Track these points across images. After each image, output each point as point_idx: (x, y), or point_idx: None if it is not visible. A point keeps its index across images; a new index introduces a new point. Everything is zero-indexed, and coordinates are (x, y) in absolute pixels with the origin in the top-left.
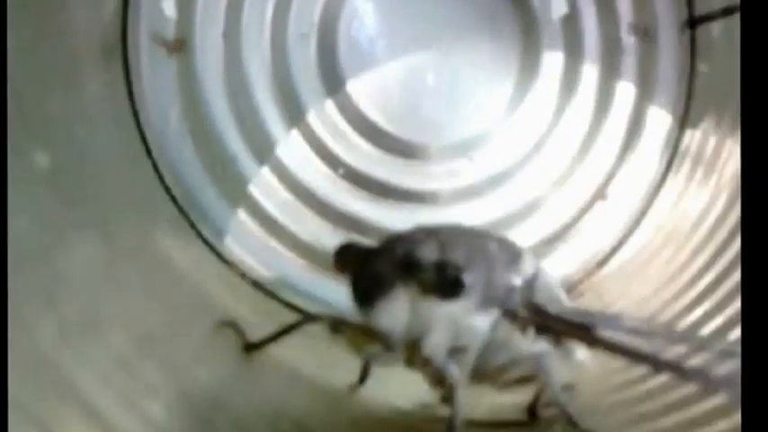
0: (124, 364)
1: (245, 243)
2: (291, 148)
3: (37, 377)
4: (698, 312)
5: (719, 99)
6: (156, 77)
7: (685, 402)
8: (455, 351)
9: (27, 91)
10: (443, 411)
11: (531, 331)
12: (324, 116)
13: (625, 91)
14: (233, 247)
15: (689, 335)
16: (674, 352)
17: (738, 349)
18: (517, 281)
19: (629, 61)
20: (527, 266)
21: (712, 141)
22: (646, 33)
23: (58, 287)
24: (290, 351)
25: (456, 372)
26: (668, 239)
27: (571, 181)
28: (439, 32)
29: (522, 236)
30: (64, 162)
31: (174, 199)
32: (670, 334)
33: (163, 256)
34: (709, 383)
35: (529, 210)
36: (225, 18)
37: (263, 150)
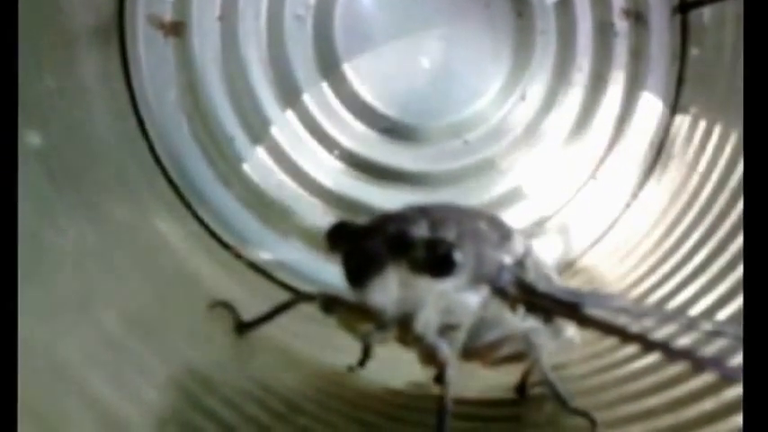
0: (116, 344)
1: (240, 223)
2: (287, 130)
3: (27, 357)
4: (688, 292)
5: (710, 83)
6: (152, 60)
7: (674, 381)
8: (446, 328)
9: (22, 71)
10: (434, 390)
11: (521, 309)
12: (319, 98)
13: (617, 75)
14: (228, 227)
15: (678, 315)
16: (662, 331)
17: (727, 329)
18: (507, 259)
19: (622, 46)
20: (517, 245)
21: (703, 124)
22: (638, 18)
23: (49, 267)
24: (283, 330)
25: (447, 349)
26: (659, 221)
27: (563, 163)
28: (434, 17)
29: (515, 217)
30: (59, 143)
31: (169, 180)
32: (659, 314)
33: (158, 237)
34: (697, 363)
35: (522, 191)
36: (221, 1)
37: (259, 132)
